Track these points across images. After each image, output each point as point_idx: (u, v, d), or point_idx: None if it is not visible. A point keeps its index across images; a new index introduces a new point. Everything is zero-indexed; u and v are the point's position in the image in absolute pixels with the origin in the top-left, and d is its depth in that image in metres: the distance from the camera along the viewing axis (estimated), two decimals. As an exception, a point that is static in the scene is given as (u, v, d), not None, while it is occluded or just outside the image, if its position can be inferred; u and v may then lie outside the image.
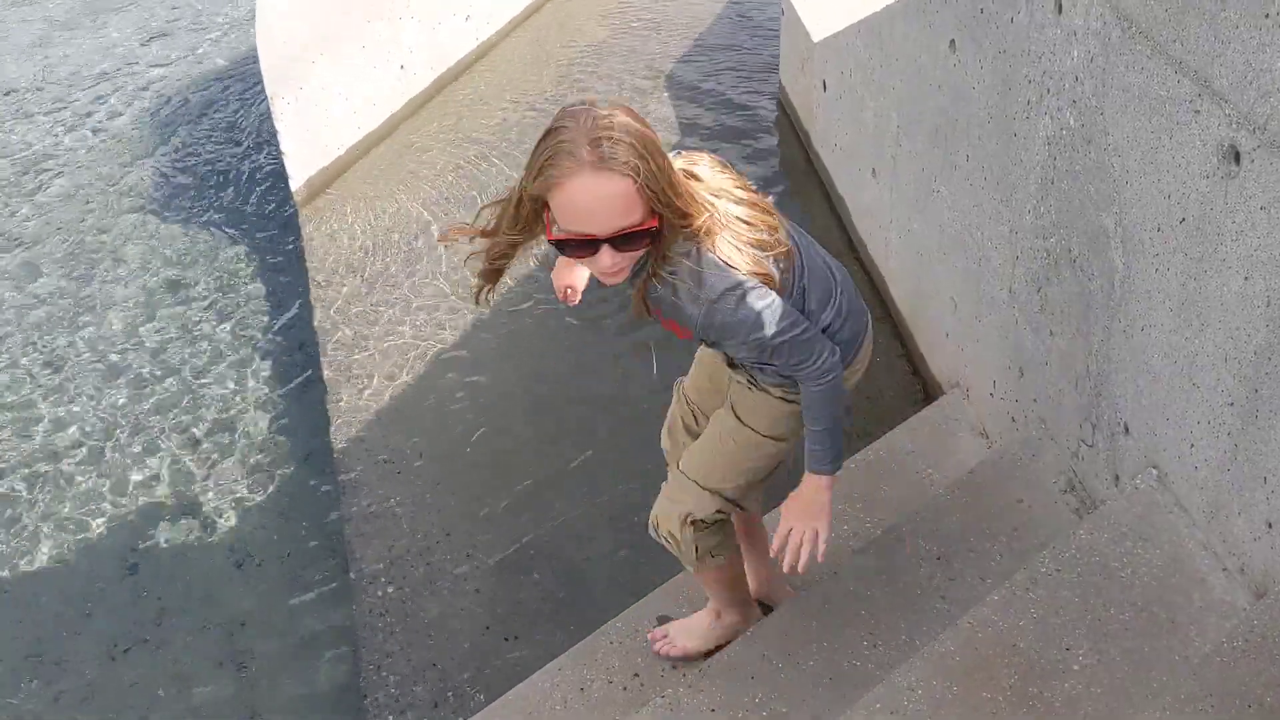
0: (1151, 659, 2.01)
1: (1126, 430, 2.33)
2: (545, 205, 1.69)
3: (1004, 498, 2.58)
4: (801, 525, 2.06)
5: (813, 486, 2.06)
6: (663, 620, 2.60)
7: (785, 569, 2.08)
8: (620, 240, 1.67)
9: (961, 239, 3.04)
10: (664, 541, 2.26)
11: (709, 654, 2.45)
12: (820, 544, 2.06)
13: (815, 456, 2.05)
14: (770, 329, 1.83)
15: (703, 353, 2.30)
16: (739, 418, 2.15)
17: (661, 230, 1.71)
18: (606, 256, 1.68)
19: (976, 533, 2.50)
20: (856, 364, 2.14)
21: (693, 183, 1.76)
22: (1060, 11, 2.30)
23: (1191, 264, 1.99)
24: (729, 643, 2.45)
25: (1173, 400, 2.14)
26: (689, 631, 2.51)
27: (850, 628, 2.34)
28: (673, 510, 2.21)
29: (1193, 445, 2.11)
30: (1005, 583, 2.22)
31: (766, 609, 2.56)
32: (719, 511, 2.19)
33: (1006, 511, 2.55)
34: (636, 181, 1.63)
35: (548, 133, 1.66)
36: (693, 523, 2.20)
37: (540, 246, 1.83)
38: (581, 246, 1.69)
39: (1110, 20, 2.11)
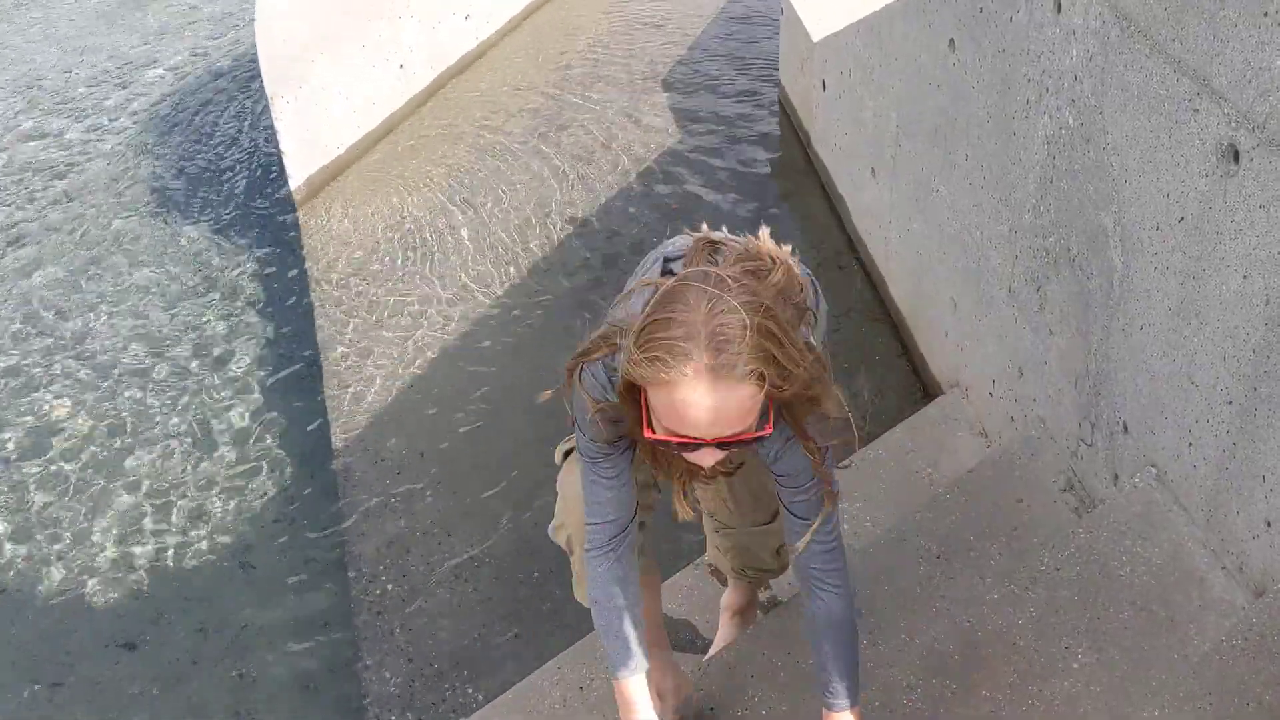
0: (1150, 657, 2.01)
1: (1125, 429, 2.33)
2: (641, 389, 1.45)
3: (1003, 497, 2.58)
4: None
5: None
6: None
7: None
8: (729, 444, 1.46)
9: (961, 238, 3.04)
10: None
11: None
12: None
13: (840, 692, 1.75)
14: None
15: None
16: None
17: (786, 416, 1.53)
18: (709, 456, 1.49)
19: (976, 532, 2.50)
20: None
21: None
22: (1059, 10, 2.30)
23: (1190, 263, 1.99)
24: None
25: (1171, 399, 2.14)
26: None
27: (849, 626, 2.34)
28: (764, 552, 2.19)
29: (1191, 444, 2.11)
30: (1004, 581, 2.22)
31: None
32: None
33: (1006, 511, 2.55)
34: (762, 388, 1.39)
35: (659, 314, 1.39)
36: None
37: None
38: (683, 445, 1.47)
39: (1109, 19, 2.11)
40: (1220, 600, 2.07)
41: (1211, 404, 2.02)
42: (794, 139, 5.14)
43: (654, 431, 1.45)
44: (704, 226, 1.67)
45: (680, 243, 1.69)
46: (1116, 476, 2.40)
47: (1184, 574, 2.13)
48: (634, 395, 1.48)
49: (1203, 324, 1.99)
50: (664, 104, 5.55)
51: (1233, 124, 1.82)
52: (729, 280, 1.39)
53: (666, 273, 1.59)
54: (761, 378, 1.38)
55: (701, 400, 1.37)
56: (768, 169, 5.01)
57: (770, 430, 1.46)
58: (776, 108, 5.45)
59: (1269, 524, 1.94)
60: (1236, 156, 1.82)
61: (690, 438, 1.43)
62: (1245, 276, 1.86)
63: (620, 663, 1.81)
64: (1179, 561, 2.15)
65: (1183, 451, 2.15)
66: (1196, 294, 2.00)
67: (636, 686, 1.82)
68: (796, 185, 4.86)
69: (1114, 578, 2.14)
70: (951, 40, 2.92)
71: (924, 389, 3.61)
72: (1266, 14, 1.69)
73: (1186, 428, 2.11)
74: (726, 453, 1.48)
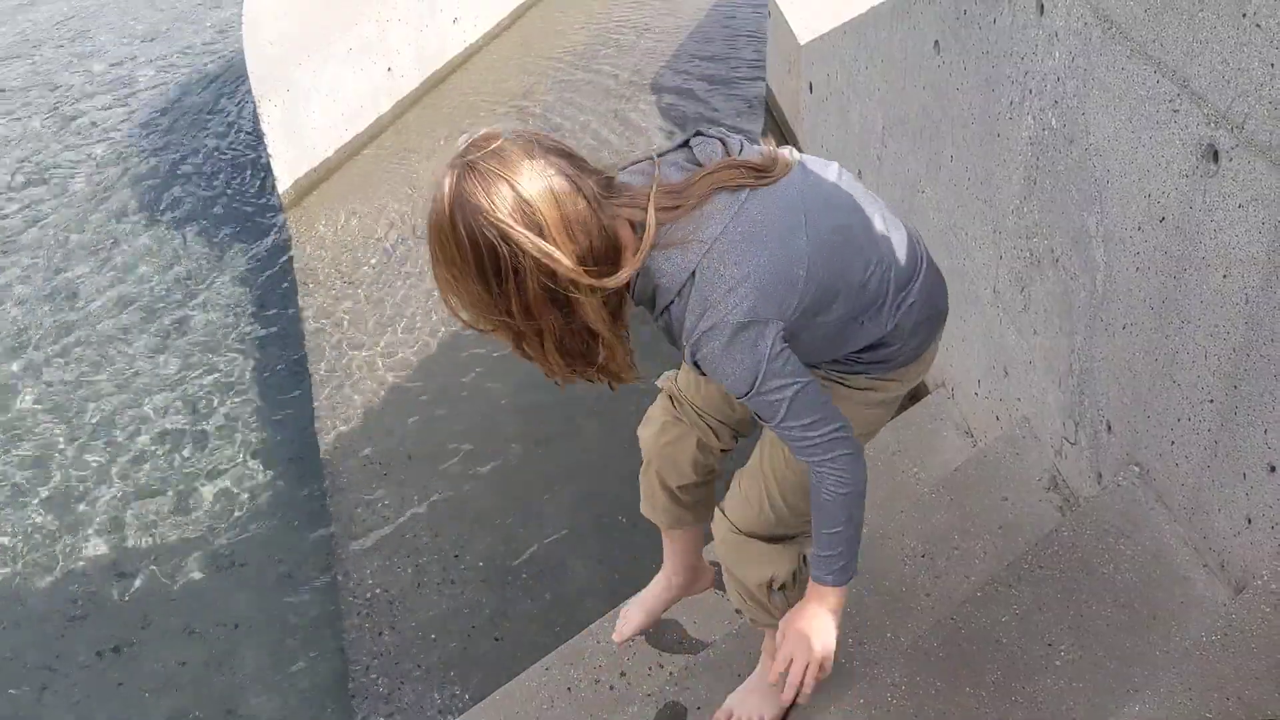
0: (1133, 654, 2.02)
1: (1109, 428, 2.34)
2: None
3: (988, 496, 2.60)
4: (805, 657, 1.69)
5: (820, 604, 1.69)
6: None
7: (783, 701, 1.79)
8: None
9: (946, 239, 3.05)
10: (747, 613, 2.01)
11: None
12: (824, 672, 1.72)
13: (825, 563, 1.67)
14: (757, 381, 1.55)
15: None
16: None
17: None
18: None
19: (961, 531, 2.51)
20: (922, 362, 1.85)
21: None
22: (1042, 12, 2.32)
23: (1172, 262, 2.01)
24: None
25: (1154, 398, 2.15)
26: (763, 697, 2.14)
27: (835, 625, 2.35)
28: (750, 578, 1.91)
29: (1173, 442, 2.13)
30: (989, 580, 2.23)
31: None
32: (801, 556, 1.92)
33: (991, 509, 2.56)
34: None
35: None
36: (781, 588, 1.92)
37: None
38: None
39: (1091, 21, 2.13)
40: (1202, 597, 2.09)
41: (1193, 402, 2.04)
42: (781, 141, 5.16)
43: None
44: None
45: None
46: (1100, 475, 2.42)
47: (1166, 571, 2.14)
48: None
49: (1184, 323, 2.01)
50: (652, 106, 5.57)
51: (1212, 124, 1.83)
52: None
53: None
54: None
55: None
56: (755, 171, 5.02)
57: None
58: (763, 110, 5.46)
59: (1250, 521, 1.96)
60: (1216, 156, 1.84)
61: None
62: (1225, 275, 1.88)
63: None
64: (1161, 559, 2.16)
65: (1165, 450, 2.16)
66: (1178, 293, 2.01)
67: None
68: (784, 187, 4.87)
69: (1097, 575, 2.16)
70: (936, 42, 2.94)
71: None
72: (1245, 15, 1.71)
73: (1169, 426, 2.13)
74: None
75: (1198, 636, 1.90)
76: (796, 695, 1.74)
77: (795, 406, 1.55)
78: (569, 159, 1.46)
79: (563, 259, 1.41)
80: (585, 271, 1.43)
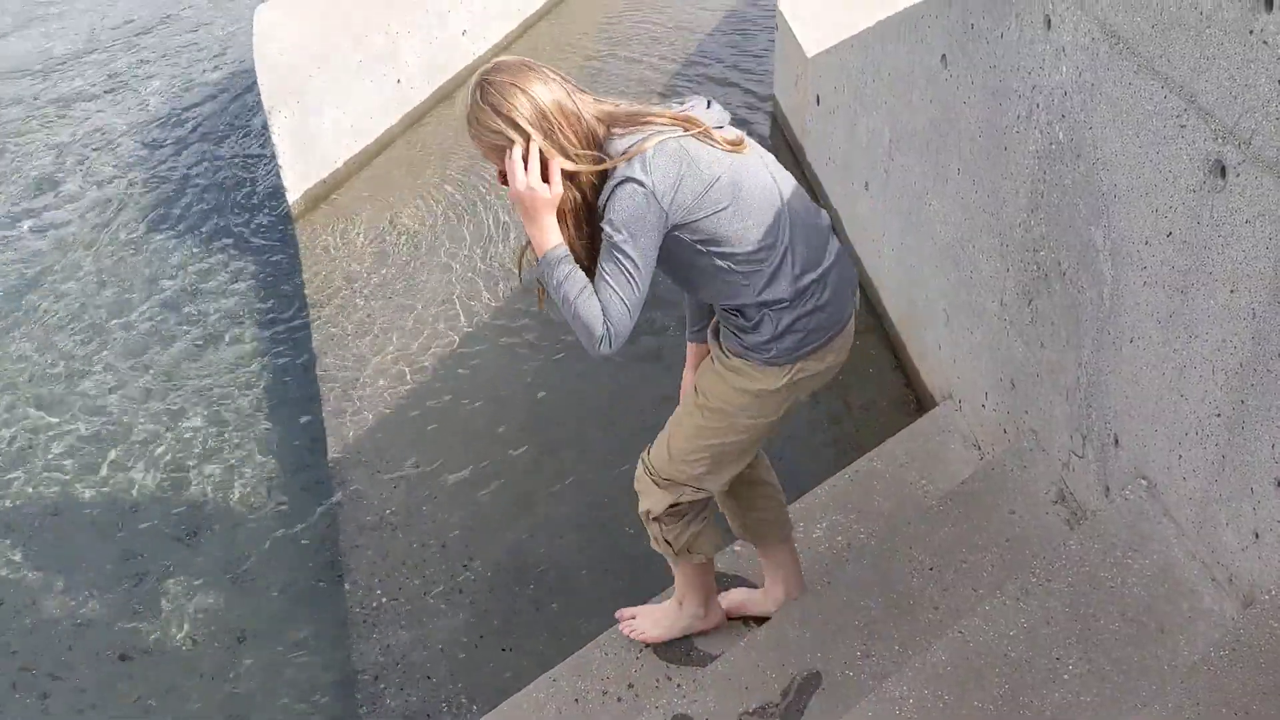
0: (1141, 668, 2.02)
1: (1116, 442, 2.35)
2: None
3: (996, 509, 2.60)
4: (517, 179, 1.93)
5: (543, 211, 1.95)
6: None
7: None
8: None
9: (953, 252, 3.06)
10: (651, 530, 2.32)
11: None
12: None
13: (543, 264, 1.97)
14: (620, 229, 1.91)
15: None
16: (697, 390, 2.17)
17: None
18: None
19: (969, 544, 2.52)
20: (828, 351, 2.11)
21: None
22: (1049, 27, 2.33)
23: (1179, 277, 2.02)
24: (687, 634, 2.56)
25: (1161, 412, 2.16)
26: (655, 621, 2.57)
27: (844, 637, 2.35)
28: (640, 505, 2.27)
29: (1181, 456, 2.13)
30: (996, 593, 2.23)
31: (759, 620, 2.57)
32: (674, 505, 2.22)
33: (998, 523, 2.56)
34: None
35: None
36: (655, 519, 2.25)
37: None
38: None
39: (1098, 36, 2.14)
40: (1210, 611, 2.09)
41: (1201, 416, 2.04)
42: (787, 152, 5.18)
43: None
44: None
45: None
46: (1108, 488, 2.42)
47: (1174, 585, 2.15)
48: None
49: (1192, 337, 2.02)
50: (659, 118, 5.58)
51: (1219, 140, 1.84)
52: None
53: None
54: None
55: None
56: (762, 183, 5.03)
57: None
58: (770, 122, 5.48)
59: (1257, 535, 1.96)
60: (1223, 172, 1.85)
61: None
62: (1233, 290, 1.88)
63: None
64: (1169, 572, 2.16)
65: (1173, 464, 2.17)
66: (1185, 307, 2.02)
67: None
68: (791, 199, 4.89)
69: (1105, 589, 2.16)
70: (943, 56, 2.95)
71: (917, 401, 3.63)
72: (1252, 32, 1.72)
73: (1176, 440, 2.13)
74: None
75: (1206, 651, 1.90)
76: None
77: (621, 268, 1.90)
78: (561, 77, 1.96)
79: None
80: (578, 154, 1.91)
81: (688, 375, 2.34)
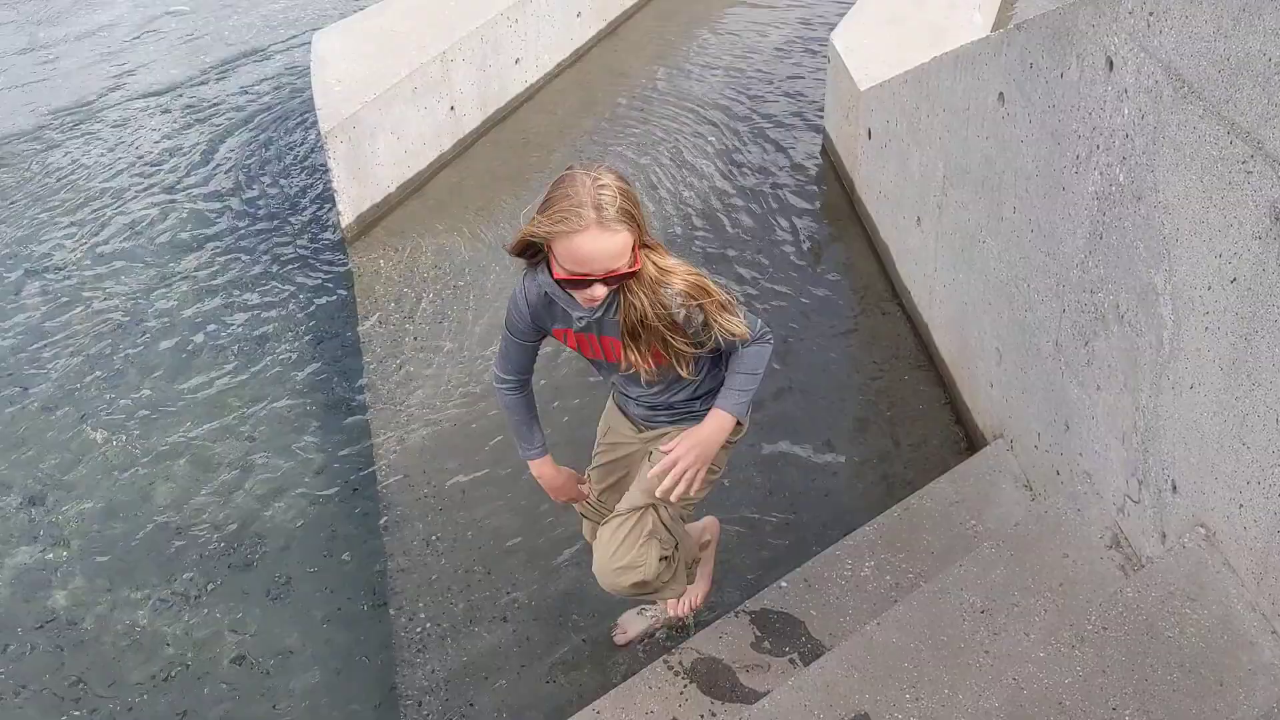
0: (1199, 721, 1.98)
1: (1174, 488, 2.31)
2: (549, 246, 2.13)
3: (1049, 552, 2.57)
4: (692, 459, 2.27)
5: (717, 425, 2.31)
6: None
7: (659, 493, 2.30)
8: (611, 278, 2.11)
9: (1008, 290, 3.04)
10: (639, 592, 2.53)
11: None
12: (697, 483, 2.29)
13: (732, 399, 2.31)
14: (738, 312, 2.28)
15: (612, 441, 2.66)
16: (709, 469, 2.41)
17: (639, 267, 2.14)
18: (600, 288, 2.11)
19: (1021, 587, 2.49)
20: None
21: None
22: (1111, 69, 2.32)
23: (1242, 324, 1.99)
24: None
25: (1222, 459, 2.12)
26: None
27: (893, 680, 2.32)
28: (636, 579, 2.45)
29: (1242, 505, 2.09)
30: (1051, 639, 2.20)
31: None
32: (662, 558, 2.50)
33: (1051, 566, 2.53)
34: (631, 234, 2.08)
35: (556, 192, 2.09)
36: (664, 558, 2.48)
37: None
38: (578, 283, 2.11)
39: (1162, 79, 2.12)
40: (1270, 664, 2.04)
41: (1263, 466, 2.01)
42: (838, 185, 5.17)
43: (560, 272, 2.12)
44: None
45: None
46: (1164, 535, 2.38)
47: (1233, 637, 2.10)
48: (533, 254, 2.23)
49: (1254, 385, 1.99)
50: (710, 148, 5.61)
51: (1287, 187, 1.82)
52: (600, 172, 2.11)
53: None
54: (630, 227, 2.07)
55: (593, 243, 2.04)
56: (811, 214, 5.03)
57: (638, 267, 2.11)
58: (820, 154, 5.48)
59: (1322, 589, 1.92)
60: (1291, 219, 1.82)
61: (585, 274, 2.08)
62: (1299, 339, 1.85)
63: (528, 447, 2.58)
64: (1228, 624, 2.12)
65: (1233, 512, 2.13)
66: (1248, 354, 1.99)
67: (545, 463, 2.60)
68: (840, 231, 4.88)
69: (1162, 639, 2.12)
70: (1001, 94, 2.94)
71: (967, 439, 3.60)
72: (1322, 80, 1.70)
73: (1237, 489, 2.10)
74: (610, 287, 2.11)
75: (1267, 705, 1.86)
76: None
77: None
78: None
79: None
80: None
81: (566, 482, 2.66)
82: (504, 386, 2.51)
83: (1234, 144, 1.93)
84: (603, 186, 2.06)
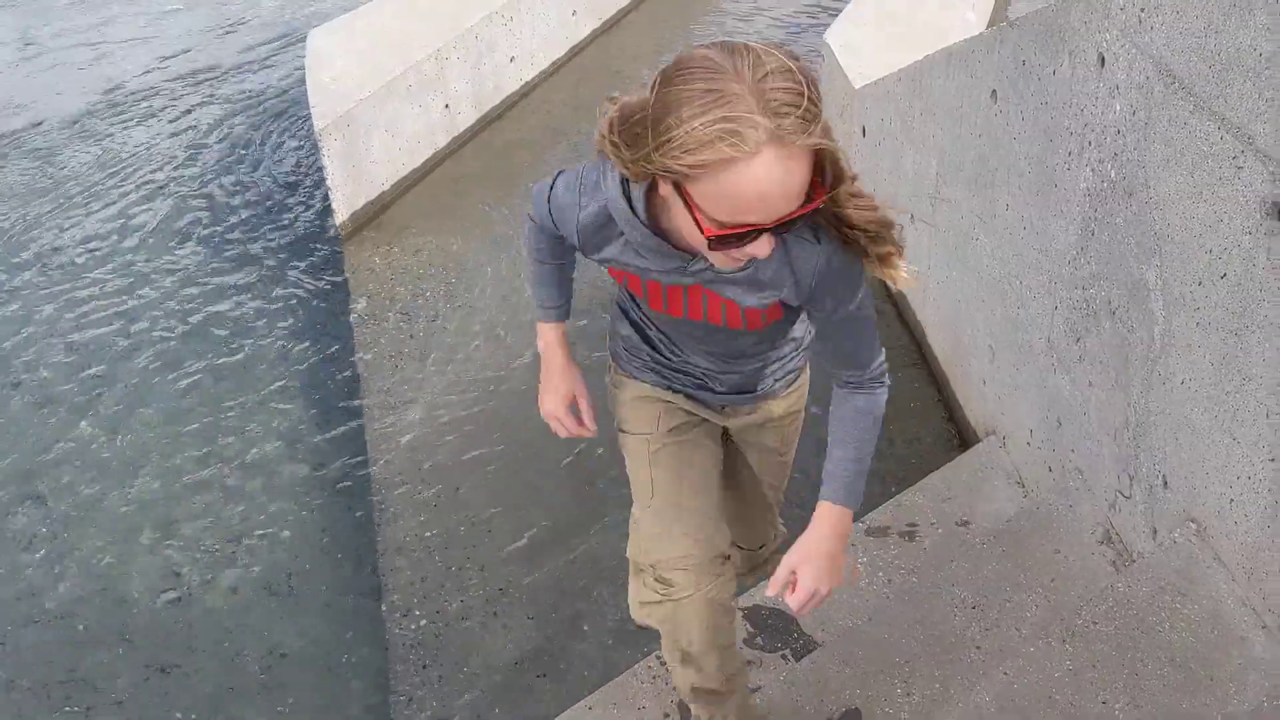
0: (1190, 716, 1.98)
1: (1165, 483, 2.32)
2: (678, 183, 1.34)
3: (1040, 548, 2.57)
4: (821, 580, 1.74)
5: (838, 525, 1.76)
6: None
7: (794, 610, 1.76)
8: (786, 224, 1.35)
9: (1000, 287, 3.04)
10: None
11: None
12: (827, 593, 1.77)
13: (847, 484, 1.76)
14: (864, 293, 1.66)
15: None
16: (778, 450, 2.20)
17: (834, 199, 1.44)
18: (766, 245, 1.38)
19: (1012, 583, 2.49)
20: None
21: None
22: (1103, 65, 2.32)
23: (1233, 319, 1.99)
24: None
25: (1213, 454, 2.13)
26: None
27: (885, 675, 2.33)
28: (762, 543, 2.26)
29: (1232, 500, 2.10)
30: (1042, 634, 2.20)
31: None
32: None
33: (1043, 562, 2.54)
34: (823, 157, 1.34)
35: (693, 89, 1.28)
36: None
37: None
38: (741, 237, 1.36)
39: (1153, 75, 2.13)
40: (1261, 659, 2.05)
41: (1254, 461, 2.01)
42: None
43: (711, 228, 1.33)
44: None
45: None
46: (1155, 530, 2.38)
47: (1224, 632, 2.11)
48: (653, 208, 1.49)
49: (1245, 380, 1.99)
50: (704, 146, 5.60)
51: (1277, 182, 1.82)
52: (759, 49, 1.29)
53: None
54: (821, 139, 1.31)
55: (768, 174, 1.27)
56: (806, 213, 5.03)
57: (822, 199, 1.36)
58: (816, 152, 5.48)
59: (1312, 584, 1.93)
60: (1280, 214, 1.83)
61: (749, 225, 1.32)
62: (1289, 334, 1.86)
63: (547, 307, 1.98)
64: (1219, 619, 2.13)
65: (1224, 508, 2.13)
66: (1239, 350, 1.99)
67: (557, 332, 2.01)
68: (835, 229, 4.88)
69: (1153, 634, 2.12)
70: (994, 91, 2.94)
71: (960, 436, 3.60)
72: (1312, 75, 1.70)
73: (1228, 484, 2.10)
74: (782, 236, 1.38)
75: (1257, 701, 1.87)
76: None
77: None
78: None
79: None
80: None
81: (561, 355, 2.03)
82: (536, 224, 1.87)
83: (1224, 139, 1.93)
84: (770, 75, 1.27)
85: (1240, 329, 1.98)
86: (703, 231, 1.35)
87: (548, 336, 2.01)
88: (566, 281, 1.98)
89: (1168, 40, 2.07)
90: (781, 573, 1.74)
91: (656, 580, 1.97)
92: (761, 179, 1.27)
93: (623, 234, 1.59)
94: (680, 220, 1.40)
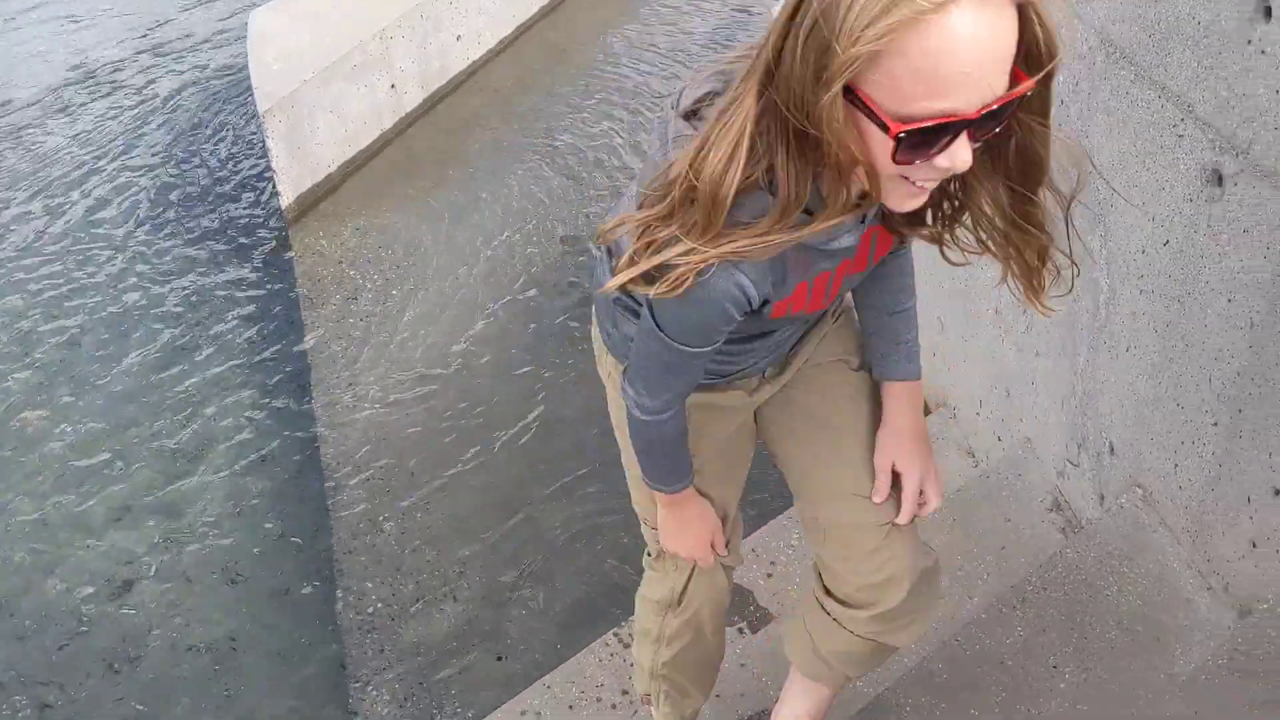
0: (1137, 677, 2.02)
1: (1112, 450, 2.35)
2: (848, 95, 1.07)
3: (991, 517, 2.60)
4: (927, 465, 1.60)
5: (914, 400, 1.60)
6: None
7: (903, 519, 1.64)
8: (990, 117, 1.07)
9: (949, 260, 3.06)
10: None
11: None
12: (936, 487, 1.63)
13: (913, 352, 1.61)
14: None
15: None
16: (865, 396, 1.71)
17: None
18: (967, 148, 1.08)
19: (963, 551, 2.52)
20: None
21: None
22: (1046, 36, 2.33)
23: (1175, 286, 2.02)
24: None
25: (1157, 420, 2.16)
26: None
27: (838, 646, 2.34)
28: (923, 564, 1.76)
29: (1177, 465, 2.13)
30: (992, 600, 2.23)
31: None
32: None
33: (993, 530, 2.57)
34: (1029, 23, 1.06)
35: None
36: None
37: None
38: (937, 136, 1.07)
39: (1095, 45, 2.14)
40: (1206, 620, 2.09)
41: (1197, 426, 2.05)
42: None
43: (900, 125, 1.05)
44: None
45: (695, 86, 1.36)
46: (1103, 497, 2.42)
47: (1170, 594, 2.15)
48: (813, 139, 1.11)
49: (1188, 346, 2.02)
50: (653, 123, 5.58)
51: (1217, 150, 1.84)
52: None
53: (691, 114, 1.33)
54: None
55: (969, 30, 1.00)
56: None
57: (1026, 85, 1.09)
58: (766, 129, 5.48)
59: (1254, 544, 1.96)
60: (1221, 181, 1.85)
61: (947, 116, 1.05)
62: (1230, 300, 1.89)
63: (684, 475, 1.68)
64: (1165, 582, 2.16)
65: (1169, 472, 2.17)
66: (1182, 317, 2.02)
67: (690, 490, 1.71)
68: (785, 206, 4.89)
69: (1100, 598, 2.16)
70: (939, 64, 2.95)
71: (912, 409, 3.62)
72: (1250, 42, 1.72)
73: (1173, 449, 2.14)
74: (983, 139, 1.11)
75: (1202, 660, 1.90)
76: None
77: None
78: None
79: None
80: None
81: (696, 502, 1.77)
82: (661, 417, 1.55)
83: (1165, 108, 1.95)
84: None
85: (1183, 295, 2.00)
86: (889, 132, 1.06)
87: (686, 499, 1.73)
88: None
89: (1109, 9, 2.08)
90: (881, 480, 1.61)
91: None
92: (961, 36, 1.00)
93: (784, 254, 1.30)
94: (854, 154, 1.10)
